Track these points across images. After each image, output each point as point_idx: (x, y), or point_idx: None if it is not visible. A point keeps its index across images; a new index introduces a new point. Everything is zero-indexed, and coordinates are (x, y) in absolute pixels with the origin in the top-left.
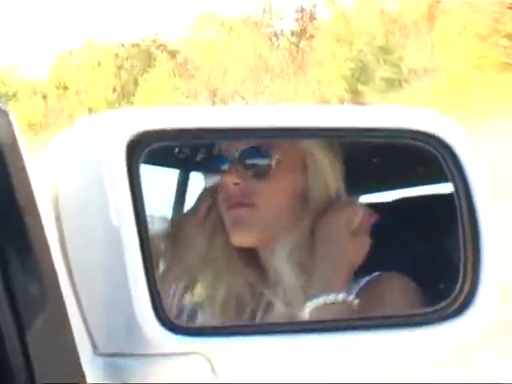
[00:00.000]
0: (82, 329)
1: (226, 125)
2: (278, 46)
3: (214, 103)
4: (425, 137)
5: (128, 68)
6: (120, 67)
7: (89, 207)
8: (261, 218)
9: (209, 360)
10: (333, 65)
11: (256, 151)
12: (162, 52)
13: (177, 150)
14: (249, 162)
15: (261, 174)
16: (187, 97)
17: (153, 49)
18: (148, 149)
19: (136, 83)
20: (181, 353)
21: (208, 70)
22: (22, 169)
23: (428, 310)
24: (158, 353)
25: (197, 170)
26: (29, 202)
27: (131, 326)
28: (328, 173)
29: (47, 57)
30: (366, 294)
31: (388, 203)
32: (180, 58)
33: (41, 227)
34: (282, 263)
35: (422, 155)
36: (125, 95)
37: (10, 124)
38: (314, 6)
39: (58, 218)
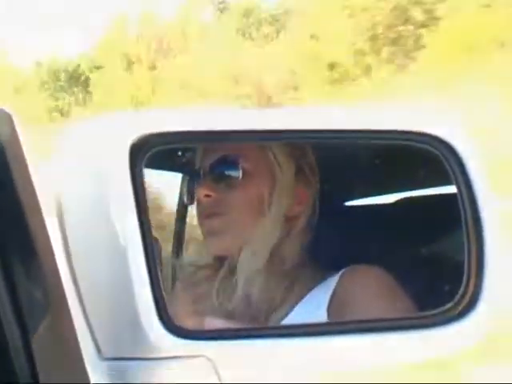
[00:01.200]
0: (87, 333)
1: (231, 127)
2: None
3: None
4: (427, 138)
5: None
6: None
7: (92, 211)
8: (233, 227)
9: (213, 363)
10: None
11: (224, 162)
12: None
13: (179, 153)
14: (218, 173)
15: (230, 184)
16: None
17: None
18: (151, 152)
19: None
20: (185, 356)
21: None
22: (25, 171)
23: (432, 312)
24: (162, 356)
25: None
26: (32, 205)
27: (135, 330)
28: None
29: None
30: (343, 287)
31: (391, 205)
32: None
33: (44, 231)
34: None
35: (424, 157)
36: (393, 42)
37: (13, 127)
38: None
39: (61, 222)
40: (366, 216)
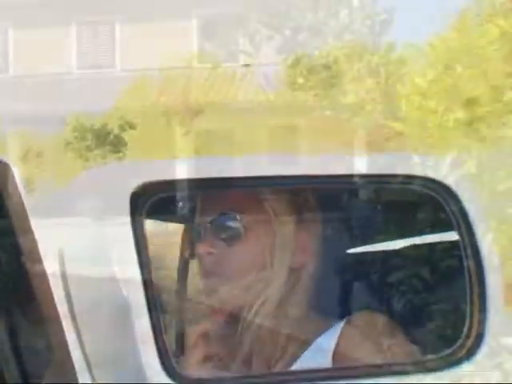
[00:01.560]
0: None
1: (231, 175)
2: None
3: None
4: (430, 183)
5: None
6: None
7: (93, 259)
8: (235, 285)
9: None
10: None
11: (225, 219)
12: None
13: (180, 203)
14: (218, 230)
15: (232, 240)
16: None
17: None
18: (151, 200)
19: None
20: None
21: None
22: (26, 221)
23: (434, 356)
24: None
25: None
26: (33, 251)
27: (139, 379)
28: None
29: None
30: (348, 334)
31: (395, 251)
32: None
33: (46, 281)
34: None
35: (426, 202)
36: None
37: (12, 177)
38: None
39: (63, 274)
40: (369, 262)
